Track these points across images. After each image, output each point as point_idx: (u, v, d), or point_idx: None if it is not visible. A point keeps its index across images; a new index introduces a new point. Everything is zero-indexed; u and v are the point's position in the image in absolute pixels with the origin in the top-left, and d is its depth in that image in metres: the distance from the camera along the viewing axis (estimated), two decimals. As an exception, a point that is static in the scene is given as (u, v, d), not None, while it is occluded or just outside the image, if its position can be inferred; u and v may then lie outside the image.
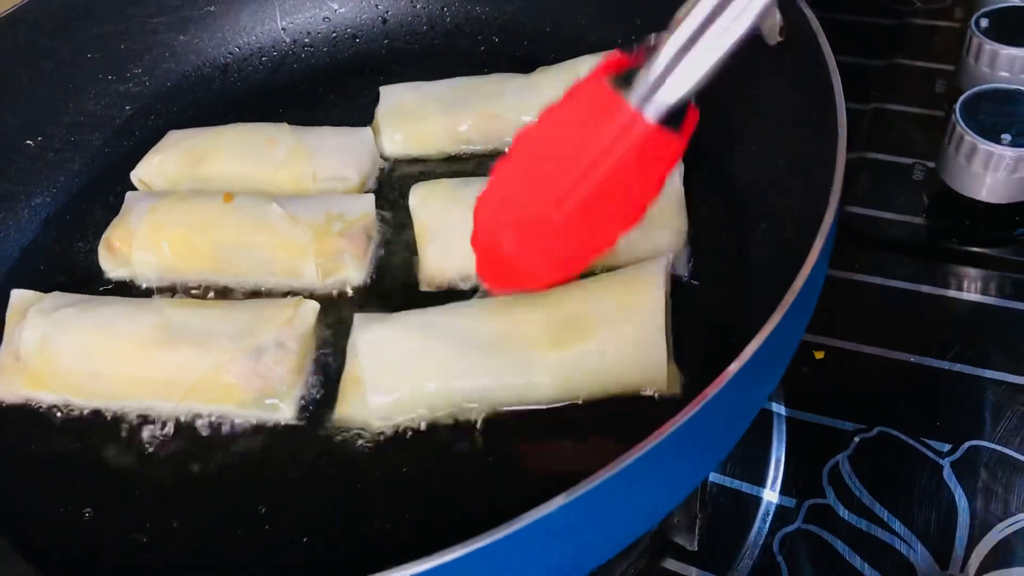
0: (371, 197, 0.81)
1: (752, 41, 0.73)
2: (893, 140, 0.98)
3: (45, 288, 0.78)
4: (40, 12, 0.88)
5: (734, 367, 0.49)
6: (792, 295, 0.52)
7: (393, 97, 0.90)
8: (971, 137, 0.83)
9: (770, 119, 0.74)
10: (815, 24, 0.66)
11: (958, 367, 0.78)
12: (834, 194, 0.57)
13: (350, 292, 0.78)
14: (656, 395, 0.67)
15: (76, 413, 0.72)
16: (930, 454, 0.72)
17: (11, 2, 0.88)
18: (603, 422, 0.66)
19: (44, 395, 0.72)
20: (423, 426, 0.68)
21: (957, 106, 0.86)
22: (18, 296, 0.76)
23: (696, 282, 0.75)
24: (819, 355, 0.80)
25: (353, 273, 0.78)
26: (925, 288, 0.84)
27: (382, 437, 0.68)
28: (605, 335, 0.67)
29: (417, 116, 0.89)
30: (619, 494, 0.47)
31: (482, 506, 0.64)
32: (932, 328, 0.81)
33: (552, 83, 0.86)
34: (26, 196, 0.88)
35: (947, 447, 0.72)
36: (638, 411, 0.66)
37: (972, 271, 0.86)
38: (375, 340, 0.69)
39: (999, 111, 0.85)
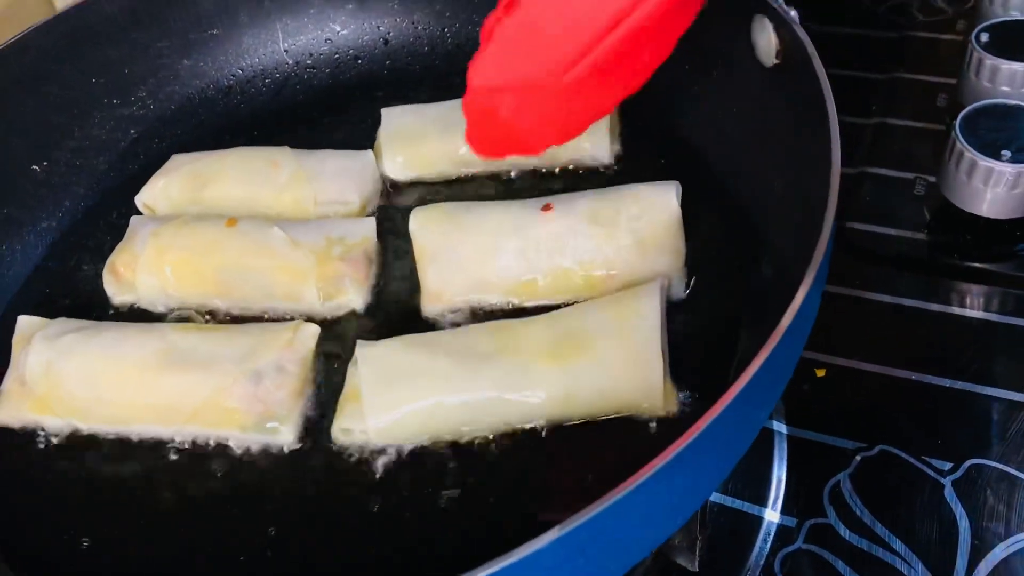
0: (372, 221, 0.82)
1: (749, 64, 0.74)
2: (895, 154, 0.98)
3: (51, 311, 0.79)
4: (45, 38, 0.89)
5: (728, 396, 0.49)
6: (787, 322, 0.52)
7: (394, 119, 0.91)
8: (971, 153, 0.83)
9: (767, 141, 0.74)
10: (810, 48, 0.66)
11: (959, 384, 0.78)
12: (827, 220, 0.57)
13: (351, 316, 0.78)
14: (652, 421, 0.67)
15: (81, 438, 0.72)
16: (931, 472, 0.72)
17: (17, 29, 0.89)
18: (601, 447, 0.67)
19: (49, 420, 0.73)
20: (422, 450, 0.68)
21: (957, 122, 0.86)
22: (24, 322, 0.77)
23: (694, 303, 0.75)
24: (820, 373, 0.80)
25: (354, 297, 0.78)
26: (926, 304, 0.84)
27: (382, 461, 0.68)
28: (603, 349, 0.67)
29: (418, 138, 0.89)
30: (616, 524, 0.47)
31: (481, 532, 0.64)
32: (933, 345, 0.81)
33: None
34: (32, 221, 0.89)
35: (948, 465, 0.72)
36: (635, 437, 0.67)
37: (974, 287, 0.86)
38: (375, 353, 0.70)
39: (999, 127, 0.85)
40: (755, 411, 0.57)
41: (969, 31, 0.98)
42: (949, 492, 0.71)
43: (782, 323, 0.52)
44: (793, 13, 0.70)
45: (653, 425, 0.67)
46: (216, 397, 0.70)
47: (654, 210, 0.75)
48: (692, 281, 0.76)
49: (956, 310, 0.84)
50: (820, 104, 0.63)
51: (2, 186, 0.87)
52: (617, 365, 0.66)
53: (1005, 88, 0.93)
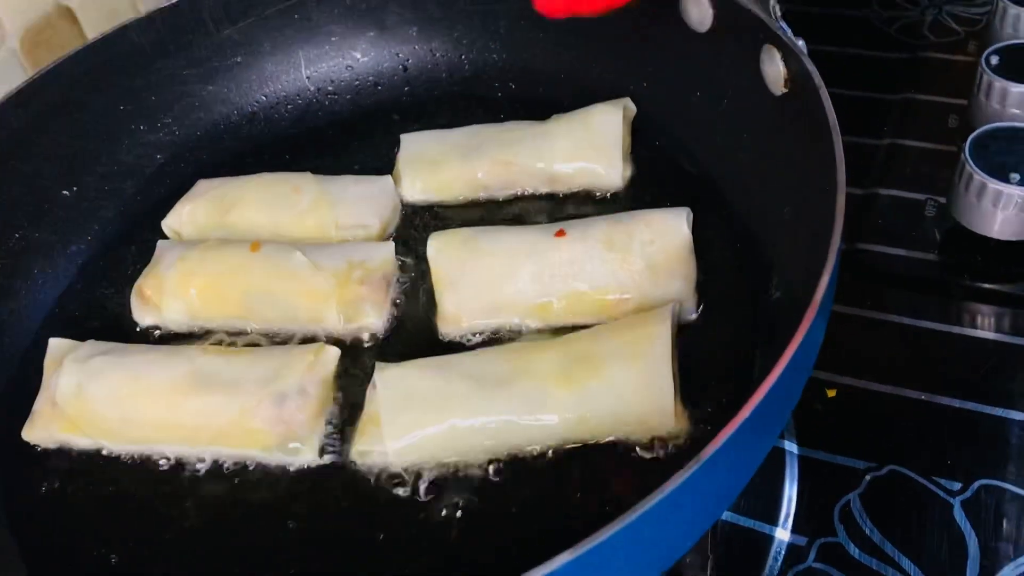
0: (391, 245, 0.84)
1: (758, 93, 0.76)
2: (906, 175, 0.99)
3: (80, 333, 0.80)
4: (76, 67, 0.91)
5: (736, 420, 0.50)
6: (793, 347, 0.53)
7: (413, 145, 0.93)
8: (980, 176, 0.84)
9: (775, 167, 0.75)
10: (817, 79, 0.67)
11: (969, 405, 0.78)
12: (833, 244, 0.58)
13: (371, 338, 0.80)
14: (663, 443, 0.68)
15: (109, 457, 0.74)
16: (941, 493, 0.73)
17: (49, 57, 0.91)
18: (614, 469, 0.68)
19: (79, 440, 0.75)
20: (439, 472, 0.69)
21: (966, 145, 0.87)
22: (55, 345, 0.79)
23: (705, 325, 0.76)
24: (831, 393, 0.81)
25: (373, 320, 0.80)
26: (937, 325, 0.85)
27: (399, 482, 0.69)
28: (615, 373, 0.68)
29: (436, 163, 0.91)
30: (629, 545, 0.48)
31: (495, 554, 0.65)
32: (943, 365, 0.82)
33: (565, 131, 0.89)
34: (62, 244, 0.91)
35: (958, 486, 0.73)
36: (647, 459, 0.68)
37: (984, 308, 0.86)
38: (393, 375, 0.71)
39: (1008, 150, 0.86)
40: (764, 434, 0.58)
41: (980, 52, 0.98)
42: (958, 512, 0.72)
43: (788, 349, 0.53)
44: (801, 43, 0.71)
45: (664, 448, 0.68)
46: (241, 418, 0.71)
47: (666, 236, 0.76)
48: (702, 306, 0.77)
49: (967, 330, 0.85)
50: (826, 131, 0.64)
51: (33, 210, 0.89)
52: (629, 388, 0.67)
53: (1015, 111, 0.94)
